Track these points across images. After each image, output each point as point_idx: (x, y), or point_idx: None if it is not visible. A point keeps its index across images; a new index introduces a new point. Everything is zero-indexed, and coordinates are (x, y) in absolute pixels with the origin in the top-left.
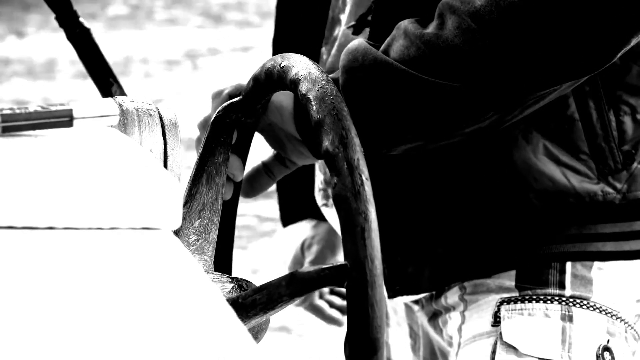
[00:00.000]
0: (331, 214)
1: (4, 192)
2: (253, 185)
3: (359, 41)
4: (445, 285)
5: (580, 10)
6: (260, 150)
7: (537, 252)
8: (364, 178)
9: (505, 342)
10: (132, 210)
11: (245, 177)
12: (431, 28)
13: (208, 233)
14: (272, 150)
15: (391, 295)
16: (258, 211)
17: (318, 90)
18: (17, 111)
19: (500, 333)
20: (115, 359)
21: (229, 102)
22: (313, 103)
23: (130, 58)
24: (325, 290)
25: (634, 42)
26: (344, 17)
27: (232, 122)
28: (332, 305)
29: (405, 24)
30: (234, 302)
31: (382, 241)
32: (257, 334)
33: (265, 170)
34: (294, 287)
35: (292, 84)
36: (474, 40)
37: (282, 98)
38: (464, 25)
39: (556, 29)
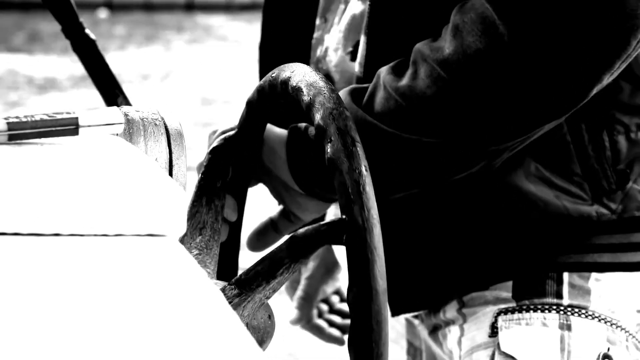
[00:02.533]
0: None
1: (11, 200)
2: (260, 240)
3: (342, 94)
4: (446, 301)
5: (548, 54)
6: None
7: (533, 263)
8: (355, 141)
9: (504, 352)
10: (137, 217)
11: (253, 232)
12: (406, 78)
13: (210, 249)
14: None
15: (393, 313)
16: None
17: (308, 79)
18: (23, 119)
19: (498, 343)
20: None
21: (226, 134)
22: (304, 89)
23: None
24: (325, 308)
25: (605, 79)
26: (328, 38)
27: (229, 154)
28: (331, 324)
29: (383, 74)
30: (237, 281)
31: None
32: (262, 337)
33: (272, 226)
34: (294, 248)
35: (283, 84)
36: (445, 89)
37: (275, 139)
38: (434, 74)
39: (524, 75)
